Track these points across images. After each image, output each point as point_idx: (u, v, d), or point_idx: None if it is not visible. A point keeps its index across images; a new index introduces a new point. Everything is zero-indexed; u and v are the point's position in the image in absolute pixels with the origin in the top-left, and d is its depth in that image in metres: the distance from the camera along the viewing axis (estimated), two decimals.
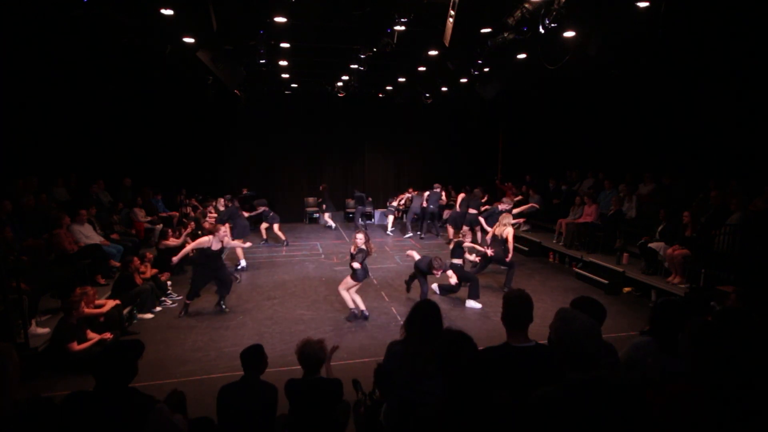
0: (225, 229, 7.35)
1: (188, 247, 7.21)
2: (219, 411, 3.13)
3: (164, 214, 10.98)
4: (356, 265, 6.52)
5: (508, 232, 8.08)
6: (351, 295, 6.89)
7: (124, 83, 11.51)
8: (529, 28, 6.42)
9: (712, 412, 1.77)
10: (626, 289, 8.12)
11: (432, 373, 2.74)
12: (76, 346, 5.14)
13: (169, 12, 6.48)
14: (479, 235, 11.02)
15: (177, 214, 11.37)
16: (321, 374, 3.33)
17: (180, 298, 7.75)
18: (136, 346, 2.74)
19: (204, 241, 6.98)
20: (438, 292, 7.88)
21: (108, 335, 5.53)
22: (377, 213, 16.12)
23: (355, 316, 6.86)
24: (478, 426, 1.91)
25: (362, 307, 6.92)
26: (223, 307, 7.20)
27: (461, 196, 12.18)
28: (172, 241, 9.30)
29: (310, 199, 16.01)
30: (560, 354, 1.97)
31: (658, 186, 9.43)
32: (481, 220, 10.61)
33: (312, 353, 3.22)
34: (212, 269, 7.07)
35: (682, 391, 1.89)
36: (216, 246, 7.00)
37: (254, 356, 3.25)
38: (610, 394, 1.86)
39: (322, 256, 10.91)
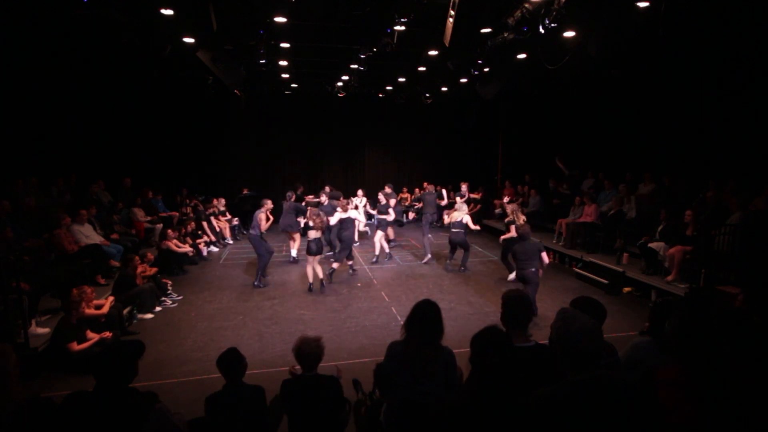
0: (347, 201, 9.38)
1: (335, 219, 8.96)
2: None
3: (164, 214, 10.97)
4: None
5: (467, 219, 9.13)
6: (313, 269, 8.08)
7: (124, 83, 11.51)
8: (529, 28, 6.43)
9: (700, 393, 1.81)
10: (626, 289, 8.12)
11: (433, 374, 2.74)
12: (76, 346, 5.14)
13: (169, 12, 6.48)
14: None
15: (177, 214, 11.37)
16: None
17: (180, 298, 7.75)
18: (136, 346, 2.74)
19: (348, 212, 8.97)
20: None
21: (108, 334, 5.53)
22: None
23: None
24: (503, 425, 1.91)
25: (310, 280, 8.13)
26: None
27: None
28: (174, 244, 9.29)
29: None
30: (561, 354, 1.97)
31: (658, 186, 9.43)
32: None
33: (310, 351, 3.14)
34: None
35: (673, 375, 1.94)
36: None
37: (232, 361, 3.10)
38: (610, 394, 1.86)
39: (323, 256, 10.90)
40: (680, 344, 2.21)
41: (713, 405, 1.90)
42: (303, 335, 3.29)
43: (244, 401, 3.02)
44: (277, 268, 9.77)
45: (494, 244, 12.31)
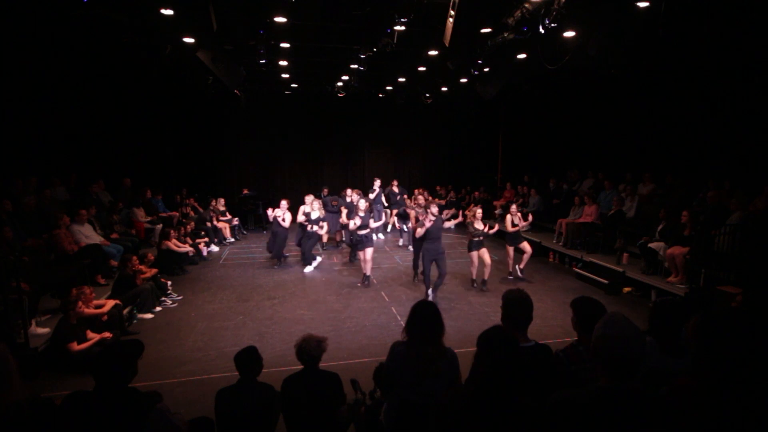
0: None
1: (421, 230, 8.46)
2: (217, 415, 3.13)
3: (164, 214, 10.97)
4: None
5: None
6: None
7: (124, 83, 11.51)
8: (529, 28, 6.43)
9: (715, 407, 1.74)
10: (626, 289, 8.12)
11: (437, 373, 2.74)
12: (76, 346, 5.14)
13: (169, 12, 6.48)
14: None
15: (177, 214, 11.37)
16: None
17: (180, 297, 7.75)
18: (136, 346, 2.74)
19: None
20: None
21: (108, 335, 5.53)
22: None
23: None
24: (503, 425, 1.90)
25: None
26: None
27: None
28: (174, 244, 9.28)
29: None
30: (595, 358, 1.86)
31: (658, 186, 9.43)
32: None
33: (308, 351, 3.25)
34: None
35: (686, 387, 1.86)
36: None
37: (249, 358, 3.23)
38: (638, 410, 1.72)
39: (323, 255, 10.89)
40: (701, 347, 2.07)
41: (724, 414, 1.83)
42: (308, 334, 3.37)
43: (254, 398, 3.14)
44: (277, 268, 9.77)
45: (494, 245, 12.31)
